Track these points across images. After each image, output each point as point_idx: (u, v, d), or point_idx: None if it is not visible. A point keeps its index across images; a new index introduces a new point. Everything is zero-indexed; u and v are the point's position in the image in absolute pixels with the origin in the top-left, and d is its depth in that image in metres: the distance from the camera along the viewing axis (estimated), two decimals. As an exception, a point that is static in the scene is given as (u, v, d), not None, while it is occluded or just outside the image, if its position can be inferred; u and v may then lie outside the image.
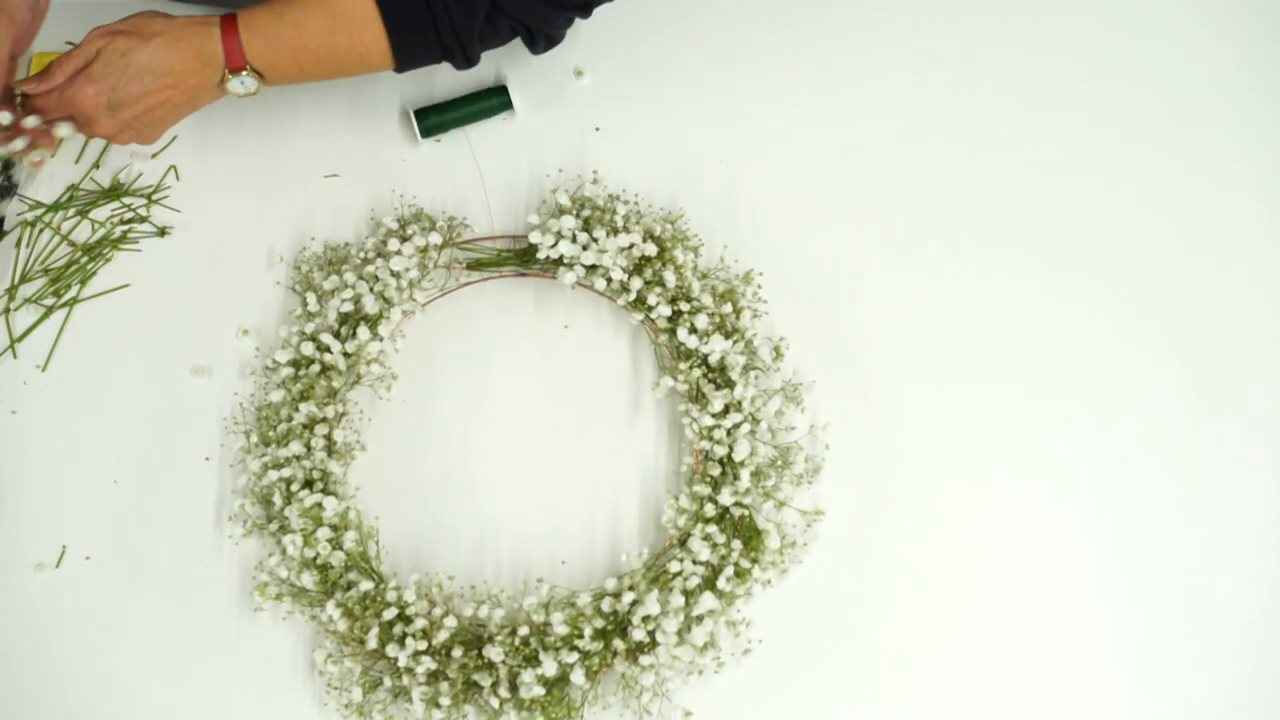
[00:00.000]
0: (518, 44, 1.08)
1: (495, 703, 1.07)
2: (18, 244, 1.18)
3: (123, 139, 1.03)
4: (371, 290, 1.13)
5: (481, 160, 1.20)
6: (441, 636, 1.08)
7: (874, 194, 1.21)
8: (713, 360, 1.13)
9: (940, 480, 1.17)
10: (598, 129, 1.21)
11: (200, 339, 1.17)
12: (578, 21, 1.07)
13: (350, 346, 1.13)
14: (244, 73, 1.01)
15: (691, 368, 1.13)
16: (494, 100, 1.19)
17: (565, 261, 1.13)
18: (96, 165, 1.19)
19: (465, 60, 1.06)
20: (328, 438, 1.12)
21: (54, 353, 1.17)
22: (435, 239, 1.14)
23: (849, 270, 1.20)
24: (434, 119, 1.19)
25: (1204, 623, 1.16)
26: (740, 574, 1.11)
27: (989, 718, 1.14)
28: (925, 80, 1.23)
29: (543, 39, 1.07)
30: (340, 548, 1.11)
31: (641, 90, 1.22)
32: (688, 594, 1.10)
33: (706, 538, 1.10)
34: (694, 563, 1.10)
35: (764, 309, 1.17)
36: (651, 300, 1.13)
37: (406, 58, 1.04)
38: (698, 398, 1.14)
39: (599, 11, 1.09)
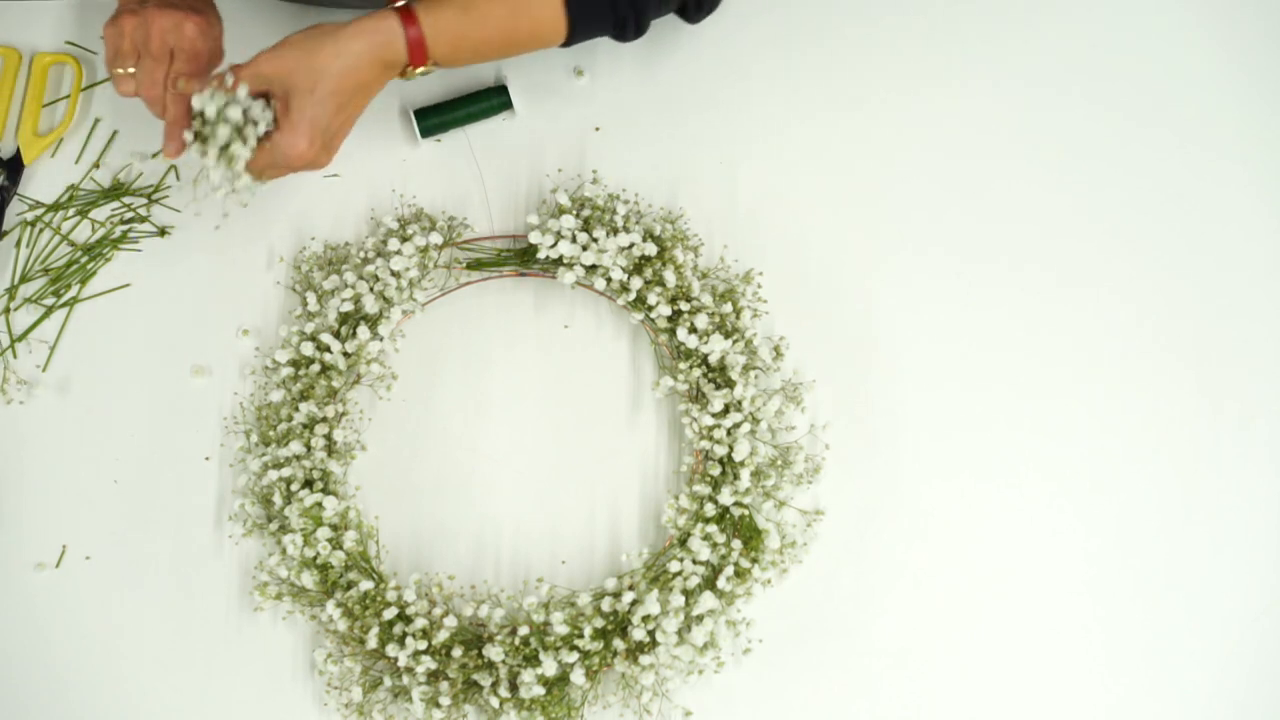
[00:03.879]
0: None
1: (495, 702, 1.07)
2: (18, 244, 1.18)
3: (322, 163, 1.00)
4: (371, 290, 1.13)
5: (481, 160, 1.20)
6: (441, 636, 1.08)
7: (874, 193, 1.21)
8: (713, 360, 1.13)
9: (940, 480, 1.17)
10: (598, 129, 1.21)
11: (200, 339, 1.17)
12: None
13: (350, 346, 1.13)
14: (423, 68, 1.00)
15: (691, 367, 1.13)
16: (494, 100, 1.19)
17: (565, 261, 1.13)
18: (96, 165, 1.19)
19: (636, 30, 1.06)
20: (328, 438, 1.12)
21: (54, 353, 1.17)
22: (435, 239, 1.14)
23: (849, 270, 1.20)
24: (434, 119, 1.19)
25: (1205, 621, 1.16)
26: (740, 574, 1.11)
27: (989, 717, 1.14)
28: (926, 81, 1.23)
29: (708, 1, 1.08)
30: (340, 548, 1.11)
31: (641, 90, 1.22)
32: (688, 594, 1.10)
33: (706, 537, 1.10)
34: (694, 562, 1.10)
35: (764, 309, 1.17)
36: (651, 300, 1.13)
37: (581, 28, 1.04)
38: (698, 397, 1.14)
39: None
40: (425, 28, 0.98)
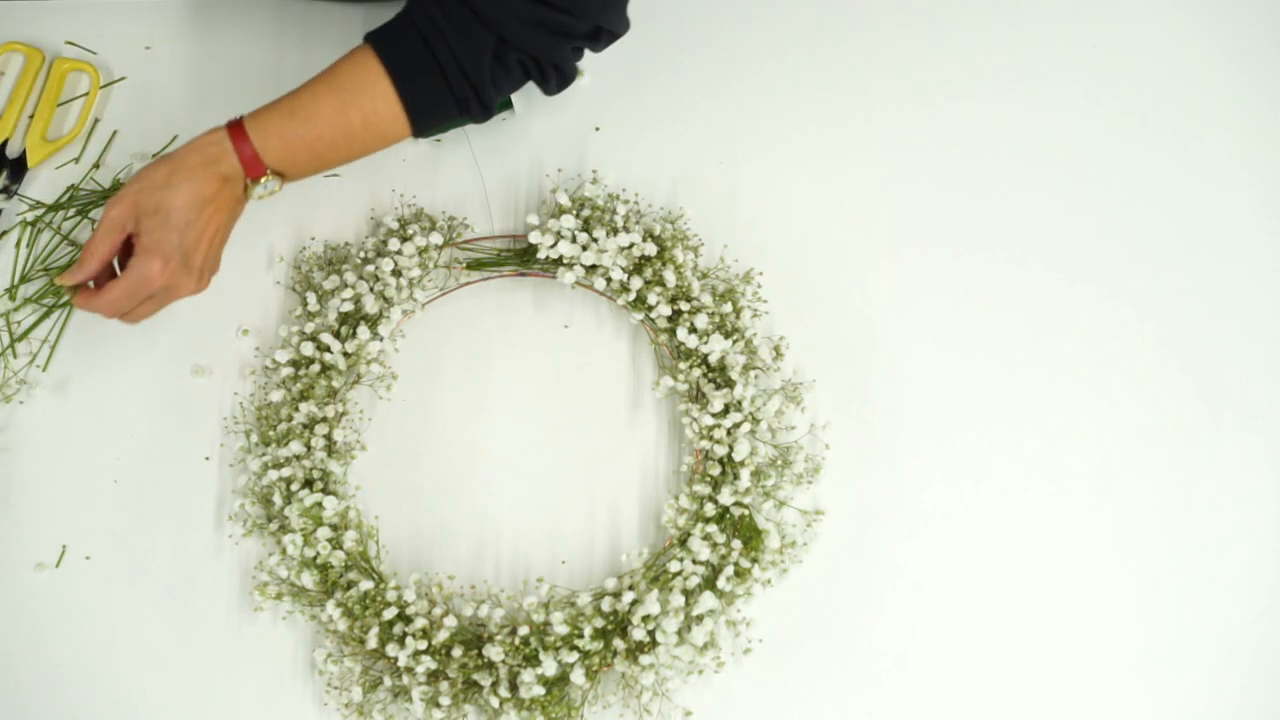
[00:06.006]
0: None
1: (495, 702, 1.07)
2: (18, 244, 1.18)
3: (204, 285, 1.02)
4: (371, 290, 1.13)
5: (481, 160, 1.20)
6: (441, 636, 1.08)
7: (874, 193, 1.21)
8: (713, 360, 1.13)
9: (940, 480, 1.17)
10: (598, 129, 1.21)
11: (200, 339, 1.17)
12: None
13: (350, 346, 1.13)
14: (264, 178, 1.00)
15: (691, 367, 1.13)
16: (494, 100, 1.19)
17: (565, 261, 1.14)
18: (96, 165, 1.19)
19: (481, 108, 1.01)
20: (328, 437, 1.12)
21: (54, 353, 1.17)
22: (435, 239, 1.14)
23: (849, 270, 1.20)
24: (434, 119, 1.19)
25: (1204, 622, 1.16)
26: (740, 574, 1.11)
27: (989, 717, 1.14)
28: (926, 81, 1.23)
29: (554, 75, 1.02)
30: (340, 547, 1.11)
31: (641, 90, 1.22)
32: (688, 594, 1.10)
33: (706, 537, 1.10)
34: (694, 562, 1.10)
35: (764, 309, 1.17)
36: (651, 300, 1.13)
37: (422, 117, 1.00)
38: (698, 397, 1.14)
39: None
40: (251, 133, 0.98)
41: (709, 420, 1.12)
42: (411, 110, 1.00)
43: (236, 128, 0.99)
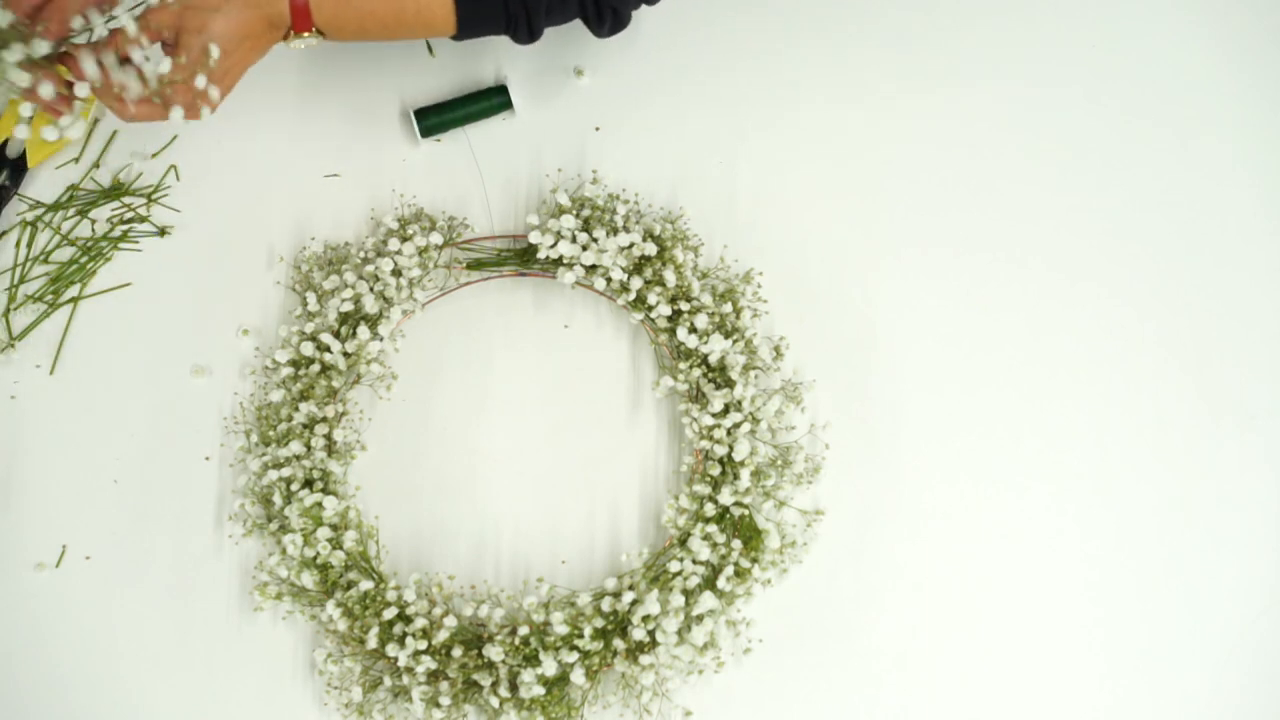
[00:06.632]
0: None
1: (495, 702, 1.07)
2: (18, 244, 1.18)
3: (196, 116, 0.99)
4: (371, 290, 1.13)
5: (481, 160, 1.20)
6: (441, 636, 1.08)
7: (874, 193, 1.21)
8: (713, 360, 1.13)
9: (940, 480, 1.17)
10: (598, 129, 1.21)
11: (200, 339, 1.17)
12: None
13: (350, 346, 1.13)
14: (307, 34, 1.00)
15: (691, 367, 1.13)
16: (494, 100, 1.19)
17: (565, 261, 1.14)
18: (96, 165, 1.19)
19: (528, 33, 1.05)
20: (328, 437, 1.12)
21: (60, 352, 1.17)
22: (435, 239, 1.14)
23: (849, 270, 1.20)
24: (434, 119, 1.19)
25: (1204, 622, 1.16)
26: (740, 574, 1.11)
27: (989, 717, 1.14)
28: (927, 81, 1.23)
29: (609, 16, 1.05)
30: (340, 547, 1.11)
31: (641, 90, 1.22)
32: (688, 594, 1.10)
33: (706, 537, 1.10)
34: (694, 562, 1.10)
35: (764, 309, 1.17)
36: (651, 300, 1.13)
37: (470, 27, 1.03)
38: (698, 397, 1.14)
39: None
40: None
41: (709, 420, 1.12)
42: (462, 19, 1.03)
43: None
